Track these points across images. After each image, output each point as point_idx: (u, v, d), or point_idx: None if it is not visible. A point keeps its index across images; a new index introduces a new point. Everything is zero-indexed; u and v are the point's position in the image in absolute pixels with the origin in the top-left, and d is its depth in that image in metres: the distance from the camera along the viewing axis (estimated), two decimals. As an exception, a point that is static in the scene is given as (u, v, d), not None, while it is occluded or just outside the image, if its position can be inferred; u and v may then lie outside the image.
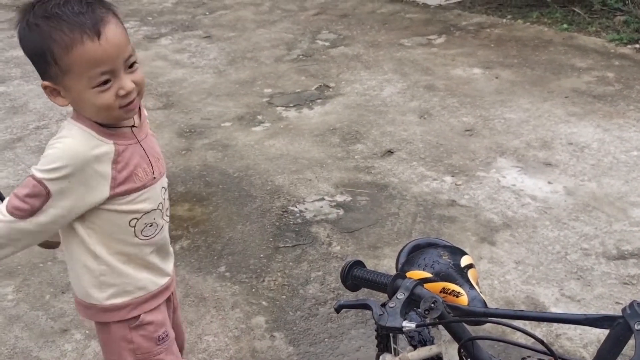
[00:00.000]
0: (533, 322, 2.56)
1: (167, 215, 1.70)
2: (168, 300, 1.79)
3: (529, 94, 4.73)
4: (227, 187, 3.81)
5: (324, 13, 6.99)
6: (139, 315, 1.69)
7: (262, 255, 3.20)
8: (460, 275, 1.55)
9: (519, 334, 2.34)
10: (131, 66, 1.51)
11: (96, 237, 1.60)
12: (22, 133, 4.58)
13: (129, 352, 1.71)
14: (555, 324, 2.63)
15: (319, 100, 4.88)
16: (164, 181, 1.68)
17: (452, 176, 3.77)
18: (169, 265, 1.77)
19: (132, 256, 1.64)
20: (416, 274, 1.57)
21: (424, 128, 4.35)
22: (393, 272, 1.54)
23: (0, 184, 3.76)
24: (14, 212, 1.52)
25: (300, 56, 5.79)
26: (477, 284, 1.57)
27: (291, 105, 4.84)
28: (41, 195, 1.51)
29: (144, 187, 1.59)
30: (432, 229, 3.31)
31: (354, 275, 1.50)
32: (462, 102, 4.68)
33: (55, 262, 3.22)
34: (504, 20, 6.37)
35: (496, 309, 1.41)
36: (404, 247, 1.76)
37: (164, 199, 1.67)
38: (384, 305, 1.40)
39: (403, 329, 1.28)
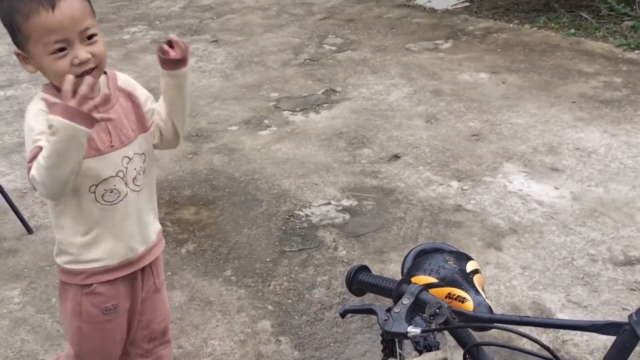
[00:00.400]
0: (539, 328, 2.55)
1: (135, 185, 1.83)
2: (145, 276, 1.94)
3: (536, 99, 4.72)
4: (234, 191, 3.81)
5: (331, 17, 7.00)
6: (93, 284, 1.85)
7: (268, 260, 3.20)
8: (466, 280, 1.55)
9: (524, 340, 2.33)
10: (89, 38, 1.65)
11: (64, 209, 1.78)
12: (29, 136, 4.59)
13: (76, 314, 1.89)
14: (561, 330, 2.62)
15: (325, 105, 4.89)
16: (126, 151, 1.79)
17: (459, 181, 3.77)
18: (140, 243, 1.88)
19: (105, 221, 1.79)
20: (422, 279, 1.57)
21: (431, 133, 4.34)
22: (399, 277, 1.54)
23: (8, 187, 3.77)
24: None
25: (307, 60, 5.80)
26: (483, 289, 1.57)
27: (298, 109, 4.84)
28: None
29: (99, 153, 1.74)
30: (438, 233, 3.31)
31: (360, 280, 1.51)
32: (468, 107, 4.68)
33: (62, 265, 3.22)
34: (511, 25, 6.36)
35: (502, 314, 1.41)
36: (410, 252, 1.76)
37: (125, 167, 1.79)
38: (389, 310, 1.40)
39: (408, 335, 1.28)
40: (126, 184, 1.80)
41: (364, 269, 1.54)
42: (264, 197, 3.73)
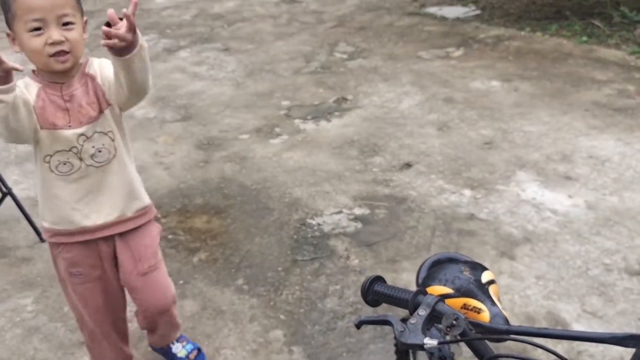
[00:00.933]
0: (555, 339, 2.52)
1: (95, 161, 2.03)
2: (123, 257, 2.17)
3: (548, 107, 4.70)
4: (245, 199, 3.81)
5: (342, 26, 7.00)
6: (59, 245, 2.15)
7: (280, 268, 3.19)
8: (482, 291, 1.53)
9: (539, 351, 2.31)
10: (65, 24, 1.86)
11: (38, 168, 2.05)
12: (42, 145, 4.61)
13: (56, 270, 2.24)
14: (576, 341, 2.59)
15: (336, 113, 4.88)
16: (85, 130, 1.99)
17: (471, 189, 3.75)
18: (97, 211, 2.09)
19: (58, 188, 2.04)
20: (437, 289, 1.55)
21: (443, 141, 4.33)
22: (412, 286, 1.53)
23: (21, 195, 3.78)
24: None
25: (318, 69, 5.80)
26: (499, 299, 1.55)
27: (309, 117, 4.84)
28: None
29: (53, 128, 1.96)
30: (451, 242, 3.29)
31: (375, 291, 1.49)
32: (480, 115, 4.66)
33: (74, 273, 3.23)
34: (523, 33, 6.34)
35: (519, 326, 1.39)
36: (424, 262, 1.75)
37: (81, 145, 1.99)
38: (404, 320, 1.39)
39: (425, 346, 1.26)
40: (81, 159, 2.01)
41: (379, 279, 1.53)
42: (276, 205, 3.73)
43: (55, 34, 1.84)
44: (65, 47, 1.86)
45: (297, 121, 4.79)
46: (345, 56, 6.06)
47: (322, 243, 3.36)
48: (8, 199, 3.52)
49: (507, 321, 1.46)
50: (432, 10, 7.32)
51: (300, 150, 4.35)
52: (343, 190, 3.83)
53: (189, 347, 2.62)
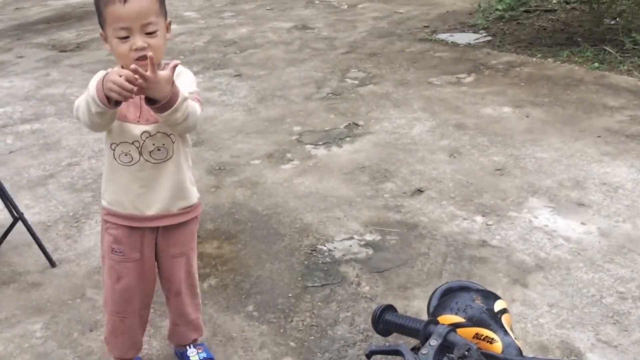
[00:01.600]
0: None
1: (153, 157, 2.21)
2: (159, 239, 2.37)
3: (560, 133, 4.69)
4: (256, 224, 3.80)
5: (353, 52, 7.04)
6: (108, 222, 2.35)
7: (290, 295, 3.17)
8: (494, 320, 1.51)
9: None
10: (150, 33, 2.05)
11: (106, 152, 2.24)
12: (54, 170, 4.64)
13: (100, 242, 2.44)
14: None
15: (348, 139, 4.89)
16: (149, 128, 2.17)
17: (483, 216, 3.73)
18: (147, 203, 2.27)
19: (118, 174, 2.25)
20: (448, 318, 1.54)
21: (454, 167, 4.31)
22: (423, 314, 1.51)
23: (33, 220, 3.79)
24: None
25: (330, 94, 5.82)
26: (511, 329, 1.53)
27: (320, 143, 4.85)
28: None
29: (124, 120, 2.16)
30: (462, 269, 3.26)
31: (386, 320, 1.48)
32: (492, 141, 4.65)
33: (84, 299, 3.22)
34: (534, 59, 6.35)
35: (533, 357, 1.37)
36: (436, 290, 1.73)
37: (143, 140, 2.18)
38: (414, 349, 1.37)
39: (436, 377, 1.25)
40: (140, 153, 2.20)
41: (390, 308, 1.51)
42: (287, 231, 3.72)
43: (139, 41, 2.04)
44: (148, 52, 1.99)
45: (308, 147, 4.80)
46: (356, 82, 6.09)
47: (333, 269, 3.34)
48: (19, 223, 3.53)
49: (520, 352, 1.44)
50: (443, 36, 7.35)
51: (311, 175, 4.35)
52: (354, 216, 3.82)
53: (203, 355, 2.68)
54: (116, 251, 2.36)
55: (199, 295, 2.67)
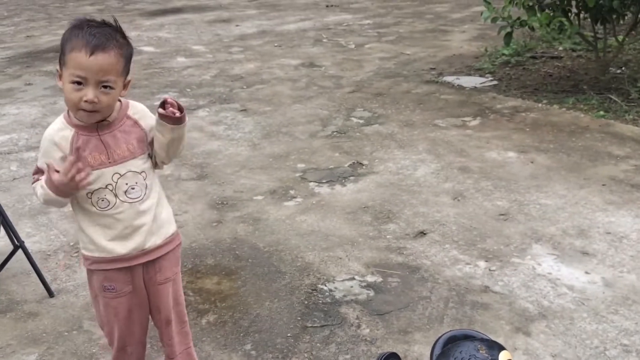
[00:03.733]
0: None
1: (128, 197, 2.24)
2: (146, 268, 2.36)
3: (565, 180, 4.68)
4: (257, 261, 3.77)
5: (359, 91, 7.08)
6: (94, 271, 2.35)
7: (289, 335, 3.13)
8: (499, 372, 1.49)
9: None
10: (105, 87, 2.08)
11: (77, 204, 2.25)
12: (57, 198, 4.62)
13: (89, 288, 2.43)
14: None
15: (351, 178, 4.88)
16: (118, 168, 2.21)
17: (486, 261, 3.70)
18: (132, 242, 2.28)
19: (99, 221, 2.25)
20: (452, 368, 1.51)
21: (458, 210, 4.30)
22: (427, 363, 1.48)
23: (33, 248, 3.77)
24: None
25: (335, 133, 5.84)
26: (517, 382, 1.50)
27: (324, 181, 4.84)
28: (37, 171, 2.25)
29: (94, 167, 2.17)
30: (464, 315, 3.22)
31: (389, 369, 1.45)
32: (496, 186, 4.64)
33: (81, 331, 3.18)
34: (540, 105, 6.38)
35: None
36: (439, 338, 1.70)
37: (115, 182, 2.21)
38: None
39: None
40: (116, 195, 2.22)
41: (393, 356, 1.49)
42: (287, 269, 3.69)
43: (90, 93, 2.07)
44: (96, 108, 2.09)
45: (311, 184, 4.79)
46: (362, 121, 6.11)
47: (333, 310, 3.31)
48: (19, 251, 3.51)
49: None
50: (449, 79, 7.40)
51: (314, 214, 4.34)
52: (356, 256, 3.79)
53: None
54: (108, 289, 2.37)
55: (187, 323, 2.63)
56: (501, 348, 1.60)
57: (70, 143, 2.17)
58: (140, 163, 2.26)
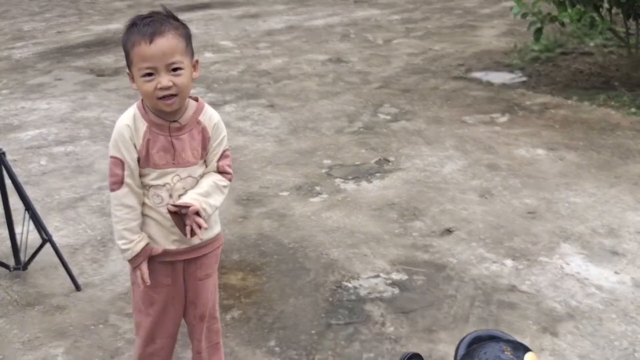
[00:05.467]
0: None
1: (177, 197, 2.25)
2: (187, 265, 2.40)
3: (595, 178, 4.60)
4: (282, 258, 3.77)
5: (387, 87, 7.04)
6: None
7: (313, 332, 3.13)
8: (524, 374, 1.46)
9: None
10: (175, 70, 2.12)
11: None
12: (85, 192, 4.68)
13: (131, 271, 2.41)
14: None
15: (378, 174, 4.86)
16: (180, 171, 2.25)
17: (513, 260, 3.65)
18: (177, 243, 2.32)
19: (149, 214, 2.29)
20: (477, 370, 1.49)
21: (485, 208, 4.25)
22: (449, 359, 1.46)
23: (61, 242, 3.81)
24: (112, 187, 2.28)
25: (361, 129, 5.81)
26: (542, 384, 1.48)
27: (350, 177, 4.82)
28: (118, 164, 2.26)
29: (155, 167, 2.23)
30: (490, 314, 3.19)
31: (412, 370, 1.43)
32: (524, 183, 4.58)
33: (107, 325, 3.21)
34: (570, 102, 6.28)
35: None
36: (463, 338, 1.68)
37: (174, 183, 2.26)
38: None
39: None
40: (171, 195, 2.26)
41: (416, 356, 1.47)
42: (312, 265, 3.68)
43: (163, 80, 2.11)
44: (173, 91, 2.12)
45: (337, 180, 4.78)
46: (389, 117, 6.07)
47: (358, 307, 3.29)
48: (47, 245, 3.55)
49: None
50: (478, 75, 7.32)
51: (339, 210, 4.32)
52: (381, 253, 3.77)
53: None
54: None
55: (219, 320, 2.66)
56: (527, 349, 1.57)
57: (142, 138, 2.21)
58: (200, 170, 2.31)
